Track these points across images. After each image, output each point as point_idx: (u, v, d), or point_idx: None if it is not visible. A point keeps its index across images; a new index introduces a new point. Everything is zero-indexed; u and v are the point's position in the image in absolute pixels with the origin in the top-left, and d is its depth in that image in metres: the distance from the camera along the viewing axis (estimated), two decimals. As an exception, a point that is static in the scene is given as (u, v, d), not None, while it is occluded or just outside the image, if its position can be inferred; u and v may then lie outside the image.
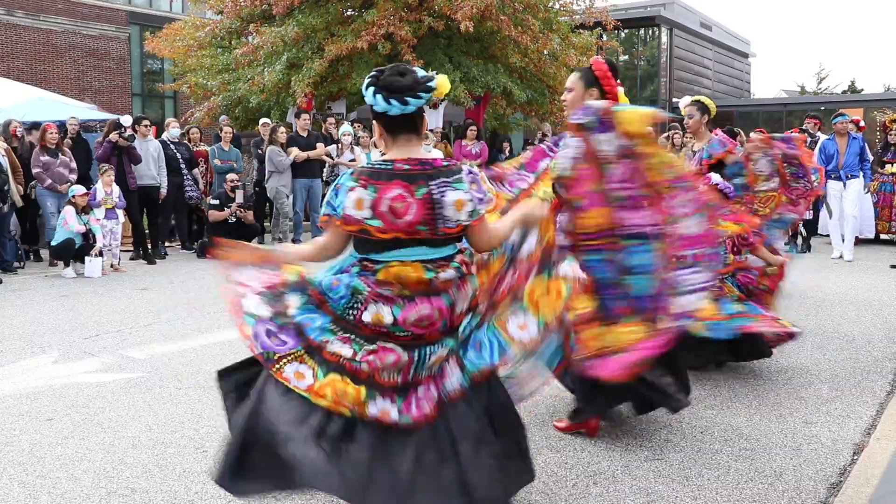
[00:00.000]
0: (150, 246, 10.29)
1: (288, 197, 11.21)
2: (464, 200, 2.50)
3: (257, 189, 11.71)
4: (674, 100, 24.75)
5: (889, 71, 63.67)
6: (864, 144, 10.40)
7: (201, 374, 4.85)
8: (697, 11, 26.84)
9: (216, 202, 10.47)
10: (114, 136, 9.69)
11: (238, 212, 10.50)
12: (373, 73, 2.52)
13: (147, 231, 10.41)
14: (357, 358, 2.50)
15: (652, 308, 3.12)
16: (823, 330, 6.08)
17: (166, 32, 16.36)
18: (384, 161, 2.53)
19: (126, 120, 10.02)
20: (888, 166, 11.35)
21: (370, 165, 2.52)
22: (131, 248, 10.34)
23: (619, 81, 3.89)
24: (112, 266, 9.25)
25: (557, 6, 15.82)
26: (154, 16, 21.80)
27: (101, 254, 8.98)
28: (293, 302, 2.65)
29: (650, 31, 26.00)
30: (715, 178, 4.94)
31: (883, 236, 11.86)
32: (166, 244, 10.83)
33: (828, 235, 12.06)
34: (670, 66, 25.25)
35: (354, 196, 2.47)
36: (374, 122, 2.59)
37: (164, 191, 10.31)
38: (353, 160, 11.87)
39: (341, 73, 13.60)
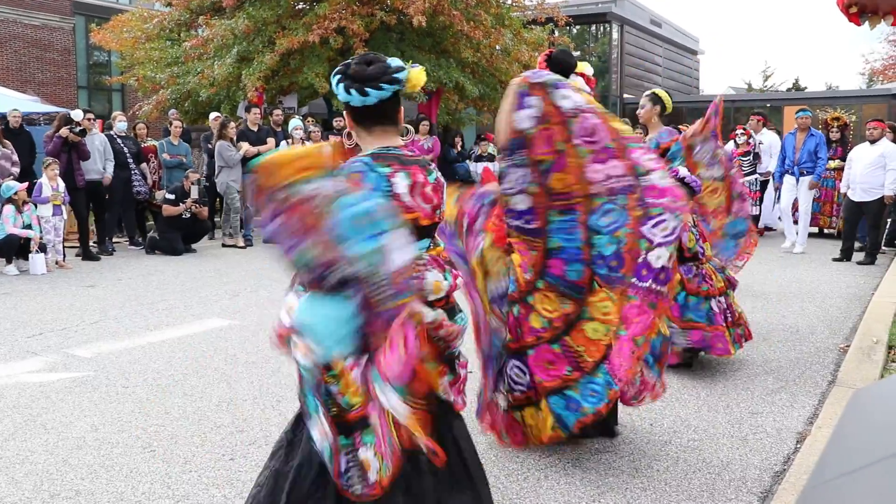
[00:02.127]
0: (95, 242, 10.06)
1: (238, 192, 11.07)
2: None
3: (207, 184, 11.53)
4: (625, 95, 25.06)
5: (831, 70, 65.37)
6: (821, 142, 10.63)
7: (149, 373, 4.76)
8: (647, 8, 27.16)
9: (171, 197, 10.29)
10: (64, 132, 9.45)
11: (193, 207, 10.34)
12: (344, 63, 2.39)
13: (94, 227, 10.18)
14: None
15: (619, 275, 3.09)
16: (769, 322, 6.21)
17: (113, 24, 16.00)
18: (390, 147, 2.36)
19: (77, 114, 9.77)
20: (829, 162, 11.64)
21: (385, 150, 2.33)
22: (77, 245, 10.11)
23: (578, 71, 3.88)
24: (57, 263, 9.02)
25: (510, 2, 15.88)
26: (100, 6, 21.28)
27: (43, 249, 8.76)
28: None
29: (601, 28, 26.23)
30: (682, 171, 4.93)
31: (825, 230, 12.17)
32: (113, 240, 10.62)
33: (772, 229, 12.38)
34: (621, 63, 25.52)
35: (402, 181, 2.28)
36: (348, 117, 2.44)
37: (108, 175, 10.01)
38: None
39: (292, 66, 13.45)
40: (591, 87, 3.93)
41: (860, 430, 1.74)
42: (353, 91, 2.31)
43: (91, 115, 10.32)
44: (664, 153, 5.87)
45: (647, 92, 6.20)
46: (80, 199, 9.74)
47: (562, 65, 3.75)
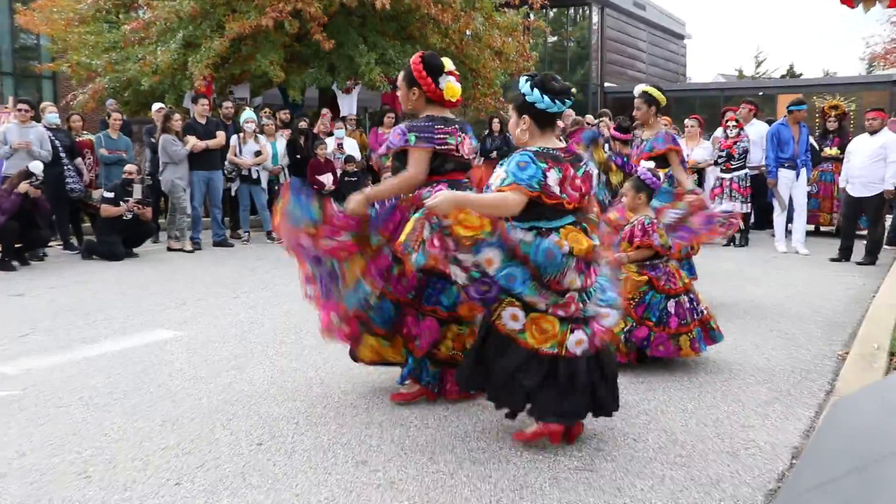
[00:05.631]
0: (20, 246, 9.91)
1: (185, 191, 10.97)
2: None
3: (150, 182, 11.43)
4: (606, 84, 25.21)
5: (828, 56, 66.27)
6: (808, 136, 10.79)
7: (85, 390, 4.70)
8: (630, -11, 27.37)
9: (111, 195, 10.16)
10: (23, 187, 9.23)
11: (136, 208, 10.21)
12: (530, 74, 3.67)
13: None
14: (549, 310, 3.58)
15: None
16: (762, 328, 6.29)
17: (41, 4, 15.77)
18: (550, 148, 3.62)
19: (36, 167, 9.50)
20: (827, 149, 11.78)
21: (544, 150, 3.60)
22: None
23: (451, 70, 4.28)
24: (-19, 270, 8.88)
25: (480, -18, 15.93)
26: (27, -15, 20.98)
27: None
28: (495, 256, 3.51)
29: (580, 10, 26.42)
30: (643, 166, 5.15)
31: (823, 228, 12.34)
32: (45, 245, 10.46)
33: (764, 229, 12.52)
34: (602, 48, 25.69)
35: (553, 176, 3.54)
36: (523, 115, 3.67)
37: (37, 167, 9.76)
38: (259, 152, 11.70)
39: (244, 53, 13.38)
40: (456, 78, 4.31)
41: (836, 441, 1.78)
42: (545, 97, 3.58)
43: (25, 107, 10.19)
44: (656, 158, 6.23)
45: (638, 91, 6.48)
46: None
47: (434, 67, 4.21)
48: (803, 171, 10.60)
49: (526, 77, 3.63)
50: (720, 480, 3.45)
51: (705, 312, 5.23)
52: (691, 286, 5.28)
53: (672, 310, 5.04)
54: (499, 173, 3.58)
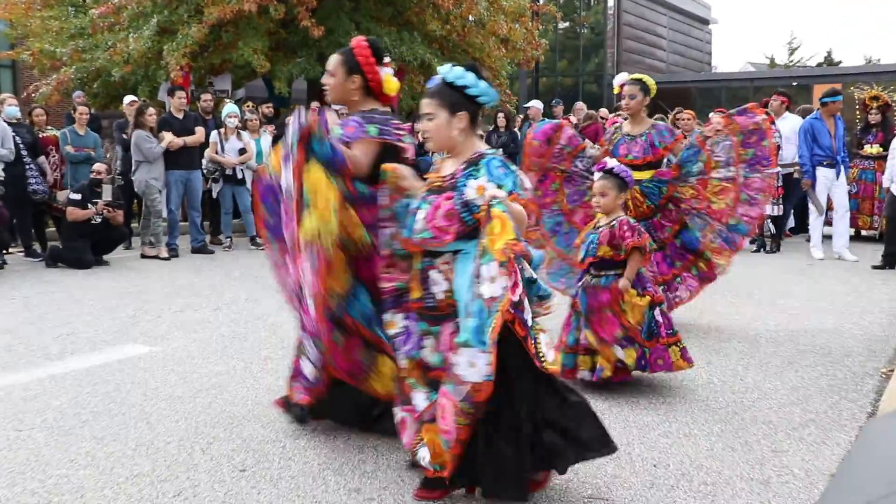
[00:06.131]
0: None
1: (160, 192, 11.00)
2: None
3: (122, 183, 11.45)
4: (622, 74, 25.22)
5: (869, 41, 66.15)
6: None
7: (49, 412, 4.71)
8: (650, -30, 27.41)
9: (78, 197, 10.17)
10: None
11: (105, 211, 10.22)
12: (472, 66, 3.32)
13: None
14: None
15: None
16: (796, 343, 6.29)
17: (-1, -16, 15.85)
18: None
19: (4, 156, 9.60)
20: (867, 147, 11.73)
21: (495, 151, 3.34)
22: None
23: (388, 62, 4.23)
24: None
25: (485, -38, 15.98)
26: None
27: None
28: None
29: (595, -7, 26.43)
30: (611, 162, 5.09)
31: (864, 232, 12.31)
32: (4, 251, 10.48)
33: (799, 233, 12.52)
34: (618, 35, 25.71)
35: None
36: (459, 112, 3.30)
37: None
38: (244, 150, 11.71)
39: (225, 41, 13.44)
40: (400, 78, 4.29)
41: (870, 463, 1.79)
42: (490, 89, 3.33)
43: None
44: (658, 160, 6.22)
45: (630, 79, 6.45)
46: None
47: (380, 54, 4.15)
48: (842, 170, 10.57)
49: (455, 65, 3.34)
50: (750, 511, 3.45)
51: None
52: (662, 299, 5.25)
53: (659, 318, 5.02)
54: (482, 184, 3.14)
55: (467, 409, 3.05)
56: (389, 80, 4.17)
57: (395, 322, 3.48)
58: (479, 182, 3.14)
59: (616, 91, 6.61)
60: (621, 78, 6.57)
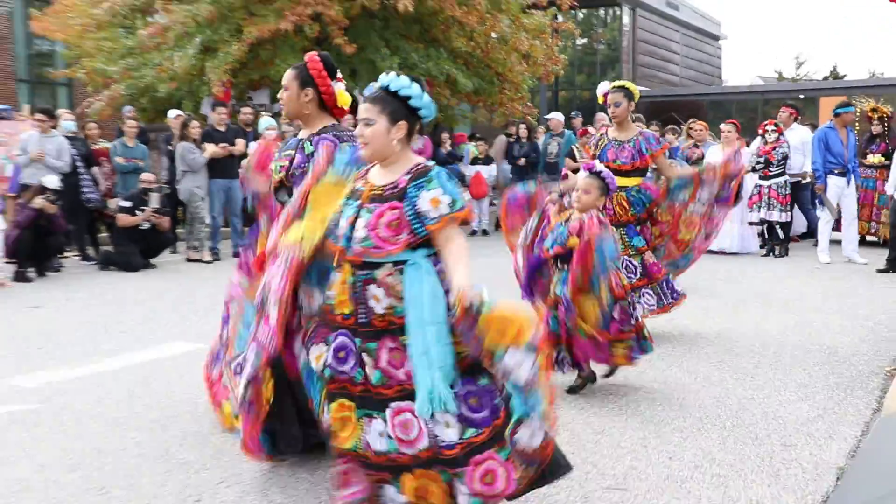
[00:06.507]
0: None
1: (203, 200, 11.09)
2: None
3: (168, 191, 11.56)
4: (638, 88, 25.12)
5: (873, 56, 65.47)
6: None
7: (104, 405, 4.77)
8: (663, -11, 27.30)
9: (127, 204, 10.30)
10: (38, 202, 9.46)
11: (153, 218, 10.33)
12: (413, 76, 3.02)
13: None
14: None
15: None
16: (804, 343, 6.25)
17: (56, 9, 15.97)
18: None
19: (51, 181, 9.72)
20: (869, 157, 11.64)
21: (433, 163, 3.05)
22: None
23: (339, 77, 4.07)
24: (-3, 281, 9.03)
25: (507, -17, 15.97)
26: (42, -10, 21.31)
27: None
28: None
29: (611, 11, 26.38)
30: (599, 165, 4.99)
31: (868, 238, 12.20)
32: (61, 255, 10.60)
33: (806, 238, 12.43)
34: (633, 51, 25.63)
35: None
36: (400, 121, 3.00)
37: (52, 181, 9.94)
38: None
39: (263, 58, 13.49)
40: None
41: (881, 460, 1.79)
42: (432, 102, 3.07)
43: (42, 116, 10.39)
44: (645, 166, 6.07)
45: (614, 86, 6.28)
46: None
47: (332, 68, 3.99)
48: (853, 178, 10.52)
49: (400, 75, 3.03)
50: (760, 502, 3.44)
51: (640, 319, 5.03)
52: (629, 289, 5.08)
53: (616, 315, 4.82)
54: (437, 196, 2.90)
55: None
56: (342, 94, 4.04)
57: (321, 352, 3.04)
58: (433, 194, 2.89)
59: (600, 100, 6.45)
60: (604, 87, 6.41)
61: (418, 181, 2.93)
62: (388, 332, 2.90)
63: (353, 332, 2.95)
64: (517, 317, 2.70)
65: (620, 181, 5.73)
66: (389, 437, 2.87)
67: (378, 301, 2.89)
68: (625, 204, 6.00)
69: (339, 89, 4.03)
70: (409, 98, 2.99)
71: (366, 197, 3.00)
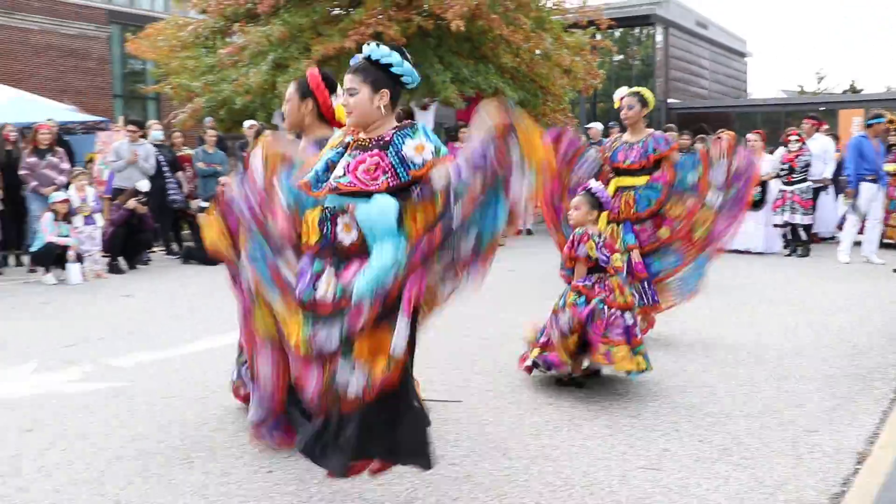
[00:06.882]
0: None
1: (275, 201, 11.18)
2: None
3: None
4: (669, 100, 24.85)
5: (891, 71, 63.84)
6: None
7: (187, 383, 4.84)
8: (693, 10, 26.95)
9: (207, 205, 10.44)
10: (132, 204, 9.85)
11: None
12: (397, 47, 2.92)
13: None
14: None
15: None
16: (826, 336, 6.11)
17: (148, 32, 16.31)
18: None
19: (144, 185, 10.03)
20: (885, 165, 11.39)
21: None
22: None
23: (339, 93, 3.87)
24: (95, 272, 9.22)
25: (550, 4, 15.90)
26: (135, 14, 21.75)
27: (79, 259, 8.96)
28: None
29: (645, 30, 26.11)
30: (594, 184, 4.86)
31: (886, 241, 11.93)
32: (149, 250, 10.81)
33: (829, 239, 12.18)
34: (666, 66, 25.36)
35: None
36: (382, 90, 2.90)
37: (144, 185, 10.23)
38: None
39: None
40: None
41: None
42: (413, 69, 2.94)
43: (133, 127, 10.65)
44: (657, 162, 5.79)
45: (630, 91, 6.04)
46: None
47: (331, 83, 3.91)
48: (881, 185, 10.33)
49: (379, 44, 2.91)
50: (785, 483, 3.37)
51: (639, 336, 4.69)
52: (633, 305, 4.73)
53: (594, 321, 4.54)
54: (422, 143, 2.84)
55: None
56: (340, 109, 3.80)
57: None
58: (418, 142, 2.82)
59: (616, 105, 6.24)
60: (621, 92, 6.24)
61: (403, 131, 2.87)
62: (357, 256, 2.82)
63: (317, 255, 2.88)
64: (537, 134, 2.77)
65: (628, 181, 5.66)
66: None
67: (346, 235, 2.84)
68: (630, 202, 5.73)
69: (339, 105, 3.87)
70: (390, 66, 2.88)
71: (352, 146, 2.94)
